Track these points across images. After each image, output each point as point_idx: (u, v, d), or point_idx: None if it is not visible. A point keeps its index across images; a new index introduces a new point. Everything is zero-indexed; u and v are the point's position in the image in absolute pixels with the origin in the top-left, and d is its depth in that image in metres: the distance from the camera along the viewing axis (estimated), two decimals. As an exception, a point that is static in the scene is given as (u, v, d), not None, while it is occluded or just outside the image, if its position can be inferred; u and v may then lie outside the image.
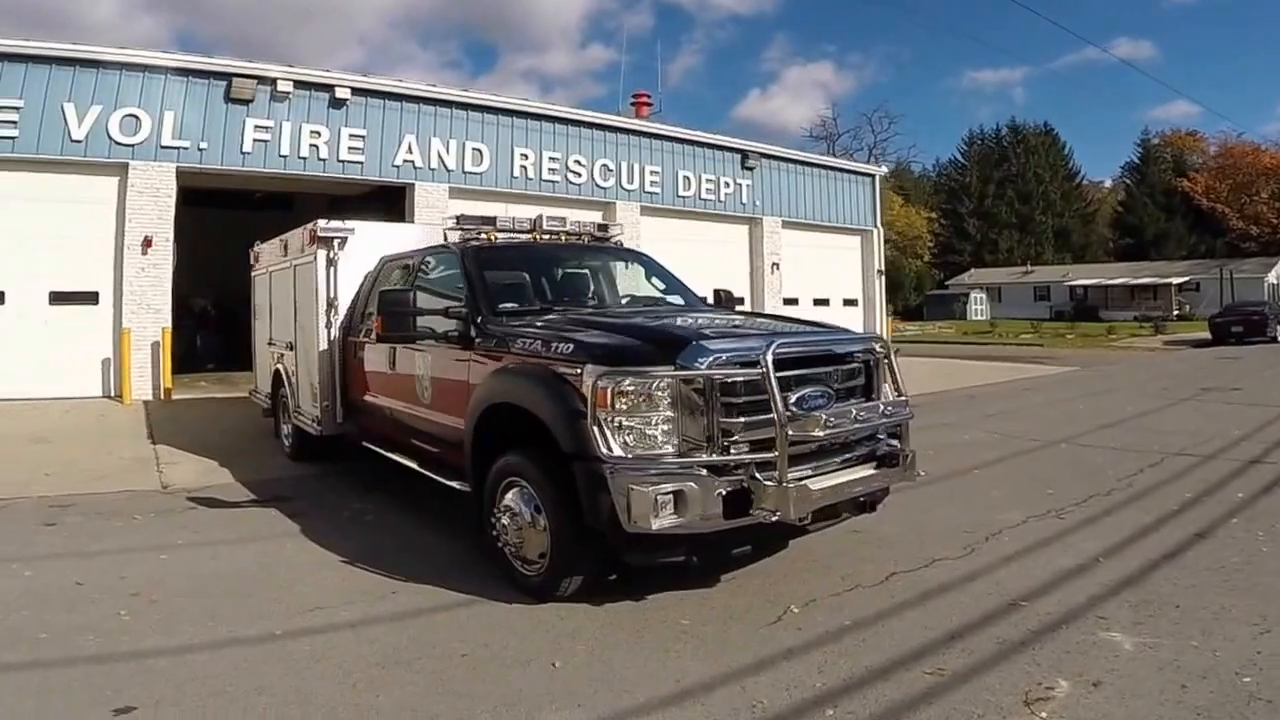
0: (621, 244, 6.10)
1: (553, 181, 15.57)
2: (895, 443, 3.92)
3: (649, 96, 27.56)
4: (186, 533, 5.26)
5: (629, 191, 16.75)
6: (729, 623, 3.42)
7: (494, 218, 5.45)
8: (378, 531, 5.17)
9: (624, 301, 5.38)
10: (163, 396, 11.74)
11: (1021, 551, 4.29)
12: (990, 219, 58.43)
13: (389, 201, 14.09)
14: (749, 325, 4.22)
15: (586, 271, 5.58)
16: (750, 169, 18.75)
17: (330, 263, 6.59)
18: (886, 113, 67.28)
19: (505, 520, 3.79)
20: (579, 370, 3.45)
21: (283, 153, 12.40)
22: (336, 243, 6.53)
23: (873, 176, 22.24)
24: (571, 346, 3.63)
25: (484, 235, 5.33)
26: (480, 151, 14.50)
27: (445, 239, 5.59)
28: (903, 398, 3.92)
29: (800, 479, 3.40)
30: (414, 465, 5.16)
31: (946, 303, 51.63)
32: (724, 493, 3.28)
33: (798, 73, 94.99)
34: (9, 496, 6.07)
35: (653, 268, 5.86)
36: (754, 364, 3.39)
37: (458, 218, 5.41)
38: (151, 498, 6.23)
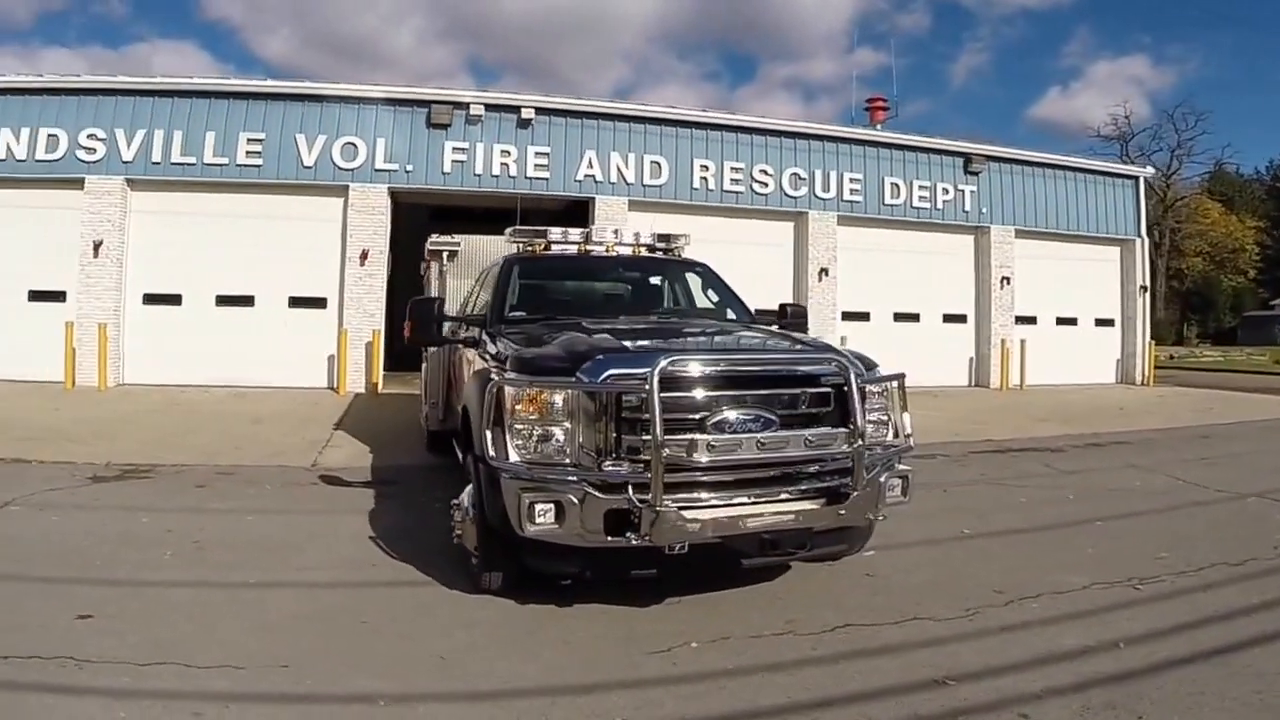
0: (679, 254, 6.12)
1: (735, 192, 15.67)
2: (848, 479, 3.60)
3: (885, 101, 26.72)
4: (288, 502, 6.27)
5: (823, 201, 16.32)
6: (615, 644, 3.41)
7: (546, 229, 5.80)
8: (429, 517, 5.74)
9: (653, 314, 5.42)
10: (371, 390, 13.71)
11: (1035, 622, 3.69)
12: (1334, 228, 47.54)
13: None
14: (706, 343, 4.08)
15: (625, 283, 5.74)
16: (975, 173, 17.28)
17: (440, 274, 7.43)
18: (1192, 108, 56.62)
19: (456, 514, 4.11)
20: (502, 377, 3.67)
21: (477, 172, 13.98)
22: (445, 255, 7.35)
23: (1135, 179, 19.33)
24: (506, 355, 3.86)
25: (535, 246, 5.70)
26: (659, 164, 15.06)
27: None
28: (844, 429, 3.59)
29: (710, 504, 3.34)
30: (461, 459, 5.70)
31: (1266, 326, 43.26)
32: (609, 509, 3.29)
33: (1105, 68, 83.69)
34: (192, 463, 7.57)
35: (709, 279, 5.84)
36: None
37: (515, 230, 5.84)
38: (294, 473, 7.39)
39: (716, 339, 4.32)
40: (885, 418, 4.00)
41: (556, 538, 3.36)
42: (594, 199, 14.70)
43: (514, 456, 3.45)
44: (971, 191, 17.31)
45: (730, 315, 5.55)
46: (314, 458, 8.18)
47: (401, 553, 4.69)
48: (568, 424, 3.44)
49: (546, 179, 14.40)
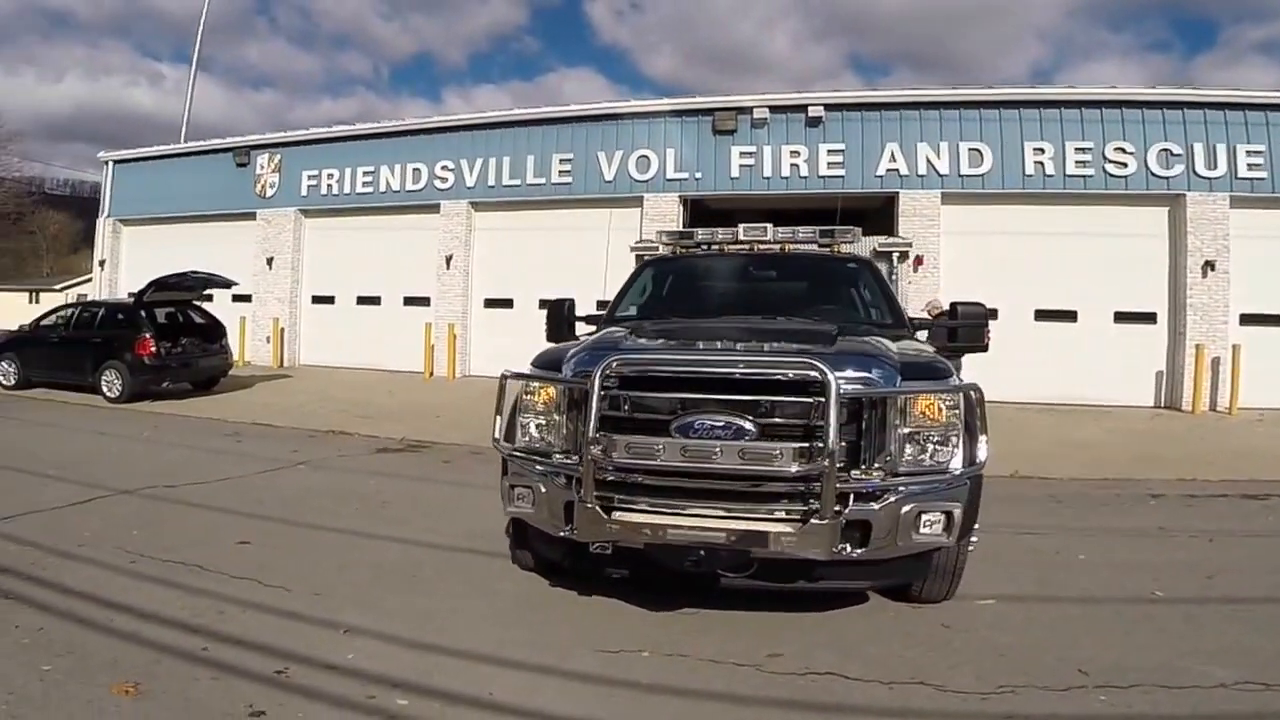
0: (837, 251, 5.79)
1: (1082, 176, 13.58)
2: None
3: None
4: (481, 475, 7.30)
5: (1208, 180, 13.34)
6: (582, 636, 3.62)
7: (693, 231, 6.00)
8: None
9: (758, 314, 5.26)
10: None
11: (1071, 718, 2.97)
12: None
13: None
14: (725, 347, 3.93)
15: (754, 282, 5.66)
16: None
17: (648, 275, 7.98)
18: None
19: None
20: None
21: (765, 175, 14.30)
22: (648, 257, 7.87)
23: None
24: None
25: (679, 246, 5.97)
26: (978, 151, 13.75)
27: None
28: (795, 444, 3.27)
29: (641, 509, 3.42)
30: None
31: None
32: (567, 500, 3.51)
33: None
34: (460, 442, 9.09)
35: (859, 277, 5.51)
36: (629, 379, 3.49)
37: (662, 232, 6.17)
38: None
39: (764, 343, 4.05)
40: (943, 438, 3.51)
41: (532, 521, 3.71)
42: (898, 194, 13.99)
43: (520, 443, 3.85)
44: None
45: (874, 315, 5.18)
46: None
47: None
48: (555, 416, 3.73)
49: (841, 176, 14.09)
